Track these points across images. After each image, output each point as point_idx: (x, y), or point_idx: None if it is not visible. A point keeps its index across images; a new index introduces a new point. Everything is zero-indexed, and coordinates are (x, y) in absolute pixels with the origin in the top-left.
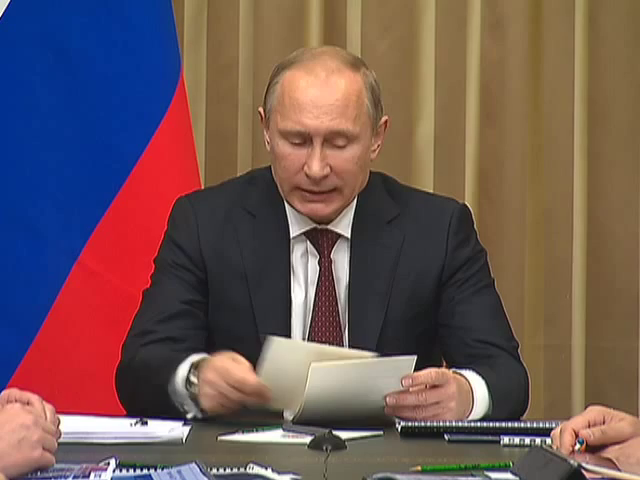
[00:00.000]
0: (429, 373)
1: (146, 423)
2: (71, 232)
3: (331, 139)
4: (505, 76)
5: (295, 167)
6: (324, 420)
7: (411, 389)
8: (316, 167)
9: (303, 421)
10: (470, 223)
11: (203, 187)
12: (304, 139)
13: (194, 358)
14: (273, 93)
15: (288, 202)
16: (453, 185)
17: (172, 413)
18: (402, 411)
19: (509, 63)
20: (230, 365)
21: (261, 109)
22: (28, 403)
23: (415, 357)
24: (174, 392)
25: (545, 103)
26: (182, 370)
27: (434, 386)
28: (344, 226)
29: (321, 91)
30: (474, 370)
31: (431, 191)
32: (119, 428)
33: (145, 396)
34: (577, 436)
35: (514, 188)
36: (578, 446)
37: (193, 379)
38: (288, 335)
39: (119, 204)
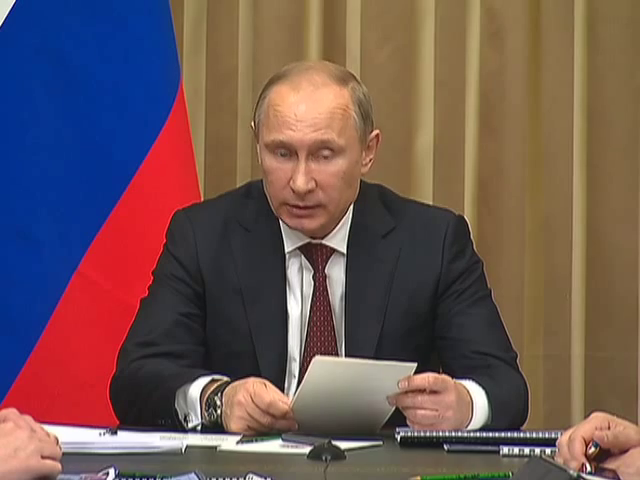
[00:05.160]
0: (426, 377)
1: (115, 433)
2: (70, 242)
3: (316, 151)
4: (504, 85)
5: (281, 182)
6: (315, 416)
7: (407, 390)
8: (300, 181)
9: (298, 417)
10: (466, 234)
11: (202, 196)
12: (290, 152)
13: (215, 377)
14: (261, 107)
15: (279, 217)
16: (452, 194)
17: (168, 423)
18: (404, 411)
19: (508, 73)
20: (261, 389)
21: (252, 123)
22: None
23: (416, 365)
24: (183, 402)
25: (544, 112)
26: (198, 385)
27: (433, 392)
28: (339, 241)
29: (306, 105)
30: (474, 380)
31: (430, 201)
32: (88, 438)
33: (145, 405)
34: (586, 443)
35: (513, 197)
36: (593, 449)
37: (217, 401)
38: (285, 349)
39: (119, 214)
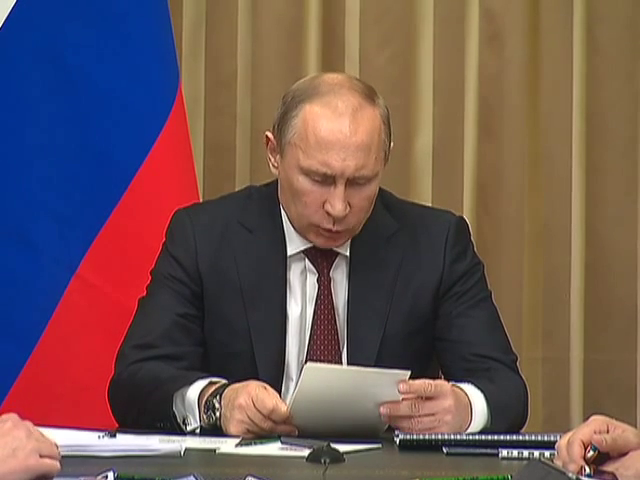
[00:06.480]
0: (424, 382)
1: (114, 436)
2: (69, 244)
3: (353, 179)
4: (503, 89)
5: (316, 204)
6: (312, 423)
7: (404, 396)
8: (339, 207)
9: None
10: (467, 236)
11: (201, 200)
12: (326, 177)
13: (213, 380)
14: (292, 126)
15: (301, 234)
16: (451, 198)
17: (167, 426)
18: (397, 421)
19: (507, 76)
20: (264, 394)
21: (270, 134)
22: None
23: (409, 372)
24: (181, 404)
25: (543, 115)
26: (196, 387)
27: (429, 398)
28: (342, 244)
29: (348, 131)
30: (472, 383)
31: (429, 204)
32: (87, 440)
33: (143, 408)
34: (585, 447)
35: (512, 200)
36: (592, 453)
37: (216, 403)
38: (283, 351)
39: (118, 216)
